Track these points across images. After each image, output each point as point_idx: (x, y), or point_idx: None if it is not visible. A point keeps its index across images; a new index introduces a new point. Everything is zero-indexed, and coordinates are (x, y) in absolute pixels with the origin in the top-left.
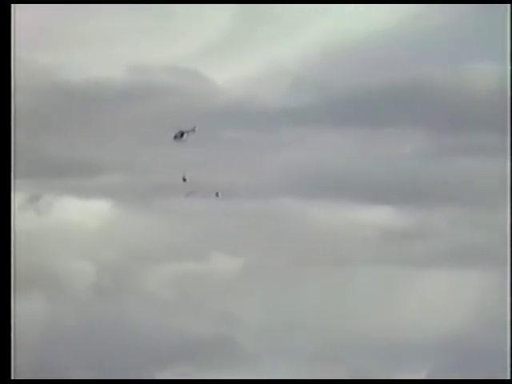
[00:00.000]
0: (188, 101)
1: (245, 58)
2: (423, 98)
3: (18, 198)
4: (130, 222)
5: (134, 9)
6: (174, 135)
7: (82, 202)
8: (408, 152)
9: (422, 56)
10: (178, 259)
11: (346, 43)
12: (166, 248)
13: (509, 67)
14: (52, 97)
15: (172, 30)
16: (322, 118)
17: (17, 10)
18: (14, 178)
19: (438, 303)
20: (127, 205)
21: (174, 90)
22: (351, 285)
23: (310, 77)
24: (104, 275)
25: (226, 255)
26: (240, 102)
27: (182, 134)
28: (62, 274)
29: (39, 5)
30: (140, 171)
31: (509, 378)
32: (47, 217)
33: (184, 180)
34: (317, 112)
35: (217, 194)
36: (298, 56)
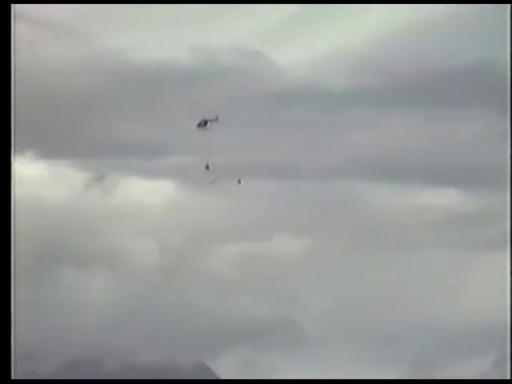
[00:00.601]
0: (252, 82)
1: (310, 40)
2: (488, 79)
3: (84, 178)
4: (194, 203)
5: None
6: (197, 124)
7: (147, 182)
8: (474, 133)
9: (486, 39)
10: (241, 240)
11: (410, 26)
12: (230, 228)
13: (509, 67)
14: (118, 78)
15: (236, 11)
16: (386, 100)
17: None
18: (79, 157)
19: (503, 288)
20: (191, 185)
21: (237, 71)
22: (416, 268)
23: (375, 59)
24: (168, 255)
25: (289, 236)
26: (304, 84)
27: (205, 123)
28: (127, 252)
29: None
30: (202, 153)
31: (509, 378)
32: (112, 196)
33: (207, 168)
34: (382, 94)
35: (239, 181)
36: (363, 39)
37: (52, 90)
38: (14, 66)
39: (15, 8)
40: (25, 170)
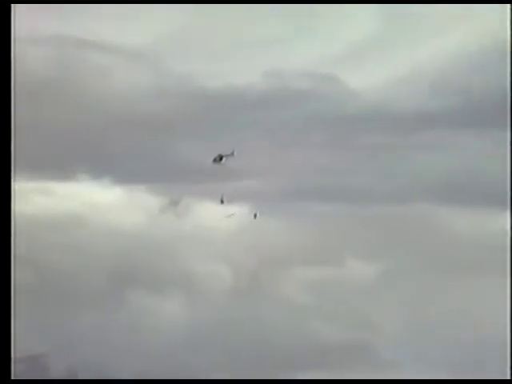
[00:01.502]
0: (325, 106)
1: (383, 63)
2: None
3: (159, 202)
4: (266, 227)
5: (270, 14)
6: (213, 159)
7: (220, 206)
8: None
9: None
10: (313, 264)
11: (486, 46)
12: (302, 253)
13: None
14: (190, 103)
15: (309, 36)
16: (460, 122)
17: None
18: (153, 182)
19: None
20: (264, 210)
21: (311, 95)
22: (488, 294)
23: (448, 80)
24: (240, 278)
25: (361, 260)
26: (378, 107)
27: (220, 158)
28: (200, 276)
29: (180, 9)
30: (276, 176)
31: (509, 377)
32: (186, 220)
33: (222, 202)
34: (453, 115)
35: (255, 216)
36: (436, 60)
37: (126, 115)
38: (84, 92)
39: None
40: (102, 195)
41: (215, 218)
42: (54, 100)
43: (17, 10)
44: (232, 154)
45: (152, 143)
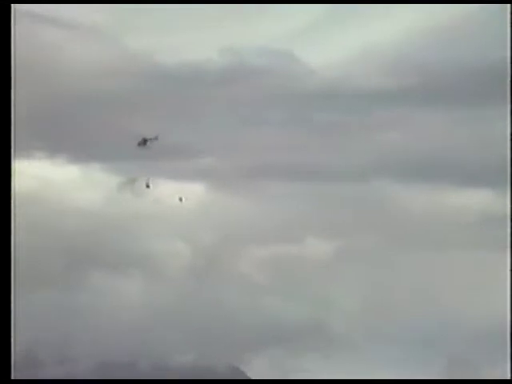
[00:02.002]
0: (281, 83)
1: (338, 41)
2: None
3: (115, 181)
4: (225, 205)
5: None
6: (137, 142)
7: (178, 185)
8: (506, 132)
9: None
10: (272, 242)
11: (439, 25)
12: (260, 231)
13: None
14: (147, 80)
15: (265, 12)
16: (416, 100)
17: None
18: (109, 160)
19: None
20: (221, 187)
21: (267, 72)
22: (446, 270)
23: (403, 59)
24: (199, 257)
25: (320, 238)
26: (334, 84)
27: (144, 142)
28: (159, 254)
29: None
30: (234, 154)
31: (509, 377)
32: (144, 199)
33: (147, 186)
34: (410, 93)
35: (180, 199)
36: (391, 38)
37: (82, 93)
38: (40, 68)
39: (17, 8)
40: (58, 173)
41: (173, 195)
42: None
43: None
44: (156, 138)
45: (108, 121)
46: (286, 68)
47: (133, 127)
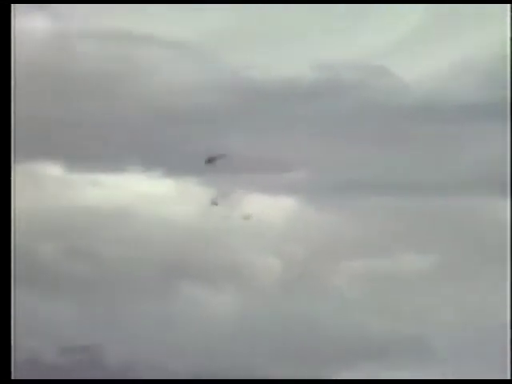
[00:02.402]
0: (374, 97)
1: (433, 55)
2: None
3: (209, 194)
4: (316, 219)
5: (317, 7)
6: (204, 160)
7: (269, 198)
8: None
9: None
10: (364, 256)
11: None
12: (353, 245)
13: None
14: (240, 96)
15: (359, 27)
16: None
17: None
18: (204, 174)
19: None
20: (313, 201)
21: (359, 87)
22: None
23: (499, 71)
24: (290, 271)
25: (413, 253)
26: (428, 98)
27: (212, 159)
28: (250, 268)
29: (225, 5)
30: (326, 168)
31: (509, 377)
32: (236, 212)
33: (215, 204)
34: (506, 106)
35: (247, 217)
36: (486, 51)
37: (177, 109)
38: (136, 85)
39: (15, 8)
40: (153, 187)
41: (264, 210)
42: (105, 94)
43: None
44: (224, 155)
45: (202, 136)
46: (378, 82)
47: (226, 142)
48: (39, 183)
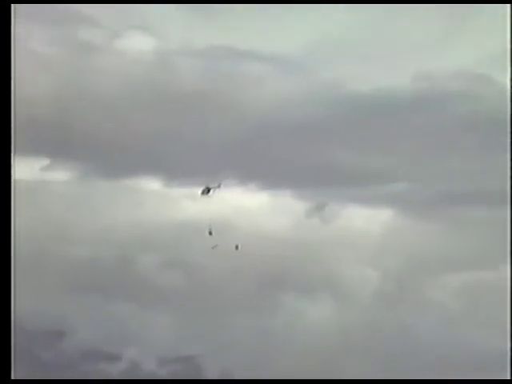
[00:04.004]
0: (478, 107)
1: None
2: None
3: (304, 207)
4: (414, 231)
5: (419, 15)
6: (201, 191)
7: (366, 210)
8: None
9: None
10: (464, 269)
11: None
12: (452, 257)
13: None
14: (340, 108)
15: (458, 36)
16: None
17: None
18: (299, 187)
19: None
20: (411, 213)
21: (463, 97)
22: None
23: None
24: (388, 282)
25: None
26: None
27: (208, 191)
28: (347, 280)
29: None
30: (426, 179)
31: (509, 377)
32: (333, 224)
33: (210, 233)
34: None
35: (236, 247)
36: None
37: (274, 123)
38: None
39: (16, 8)
40: (249, 200)
41: (362, 221)
42: (205, 109)
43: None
44: (219, 186)
45: (298, 150)
46: (482, 92)
47: (323, 155)
48: (139, 198)
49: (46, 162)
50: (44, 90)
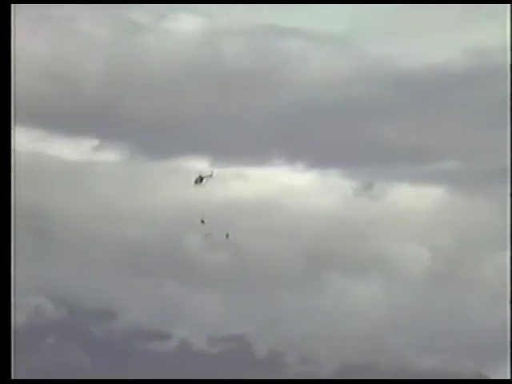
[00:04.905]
0: None
1: None
2: None
3: (353, 186)
4: (464, 208)
5: None
6: (194, 180)
7: (415, 188)
8: None
9: None
10: None
11: None
12: (503, 234)
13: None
14: (389, 85)
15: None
16: None
17: None
18: (346, 165)
19: None
20: (462, 191)
21: None
22: None
23: None
24: (438, 261)
25: None
26: None
27: (201, 180)
28: (396, 258)
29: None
30: (477, 157)
31: (509, 378)
32: (381, 202)
33: (202, 222)
34: None
35: (226, 236)
36: None
37: (323, 100)
38: (287, 78)
39: (16, 8)
40: (296, 179)
41: (411, 199)
42: (251, 88)
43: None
44: (211, 175)
45: (346, 127)
46: None
47: (372, 133)
48: (186, 178)
49: (95, 142)
50: (92, 71)
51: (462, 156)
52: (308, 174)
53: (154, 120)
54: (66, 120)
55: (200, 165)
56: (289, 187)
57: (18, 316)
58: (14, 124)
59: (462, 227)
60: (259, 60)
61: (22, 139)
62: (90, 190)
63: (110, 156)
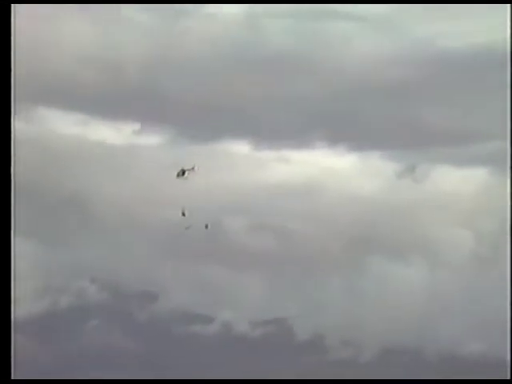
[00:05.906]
0: None
1: None
2: None
3: (395, 168)
4: (508, 190)
5: None
6: (176, 173)
7: (458, 170)
8: None
9: None
10: None
11: None
12: None
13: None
14: (430, 66)
15: None
16: None
17: None
18: (388, 148)
19: None
20: (504, 172)
21: None
22: None
23: None
24: (482, 244)
25: None
26: None
27: (183, 173)
28: (440, 241)
29: None
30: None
31: (509, 377)
32: (424, 185)
33: (183, 215)
34: None
35: (206, 227)
36: None
37: (364, 83)
38: (329, 60)
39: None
40: (338, 162)
41: (454, 182)
42: (293, 70)
43: None
44: (192, 168)
45: (388, 109)
46: None
47: (413, 115)
48: (228, 161)
49: (137, 126)
50: (135, 55)
51: (506, 137)
52: (350, 157)
53: (195, 103)
54: (108, 104)
55: (242, 148)
56: (330, 170)
57: (63, 299)
58: (14, 123)
59: (506, 210)
60: (301, 43)
61: (65, 124)
62: (132, 173)
63: (152, 140)
